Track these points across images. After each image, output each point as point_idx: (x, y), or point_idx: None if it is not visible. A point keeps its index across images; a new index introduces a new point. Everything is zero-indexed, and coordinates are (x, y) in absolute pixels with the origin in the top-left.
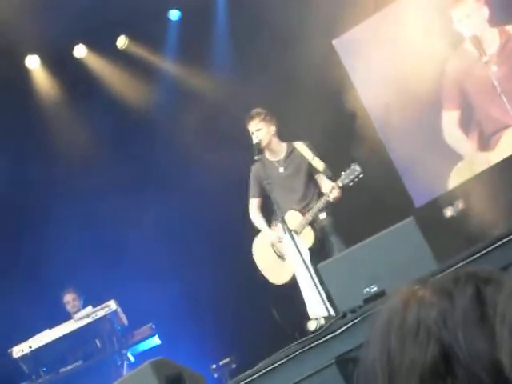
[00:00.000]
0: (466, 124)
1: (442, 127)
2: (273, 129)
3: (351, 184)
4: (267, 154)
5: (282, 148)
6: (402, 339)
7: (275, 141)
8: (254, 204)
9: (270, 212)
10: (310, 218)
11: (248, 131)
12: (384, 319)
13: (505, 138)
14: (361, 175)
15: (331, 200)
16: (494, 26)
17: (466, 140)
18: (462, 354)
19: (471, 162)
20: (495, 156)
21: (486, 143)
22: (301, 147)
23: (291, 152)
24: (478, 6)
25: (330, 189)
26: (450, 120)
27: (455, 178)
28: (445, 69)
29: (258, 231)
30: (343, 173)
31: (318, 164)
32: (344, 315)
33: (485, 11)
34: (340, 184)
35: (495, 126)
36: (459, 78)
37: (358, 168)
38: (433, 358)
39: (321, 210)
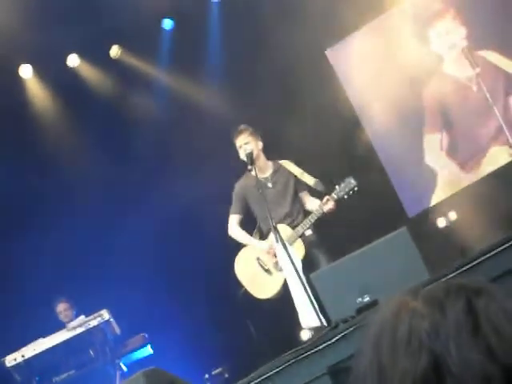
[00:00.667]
0: (451, 146)
1: (423, 150)
2: (260, 144)
3: (346, 197)
4: (255, 171)
5: (268, 165)
6: (394, 349)
7: (262, 157)
8: (234, 220)
9: (249, 230)
10: (301, 231)
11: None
12: (375, 329)
13: (488, 157)
14: (356, 188)
15: (325, 212)
16: (472, 45)
17: (451, 162)
18: (454, 365)
19: (456, 181)
20: (481, 172)
21: (469, 164)
22: (287, 164)
23: (278, 169)
24: (456, 24)
25: (324, 201)
26: (431, 143)
27: (441, 194)
28: (424, 92)
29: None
30: (337, 186)
31: (309, 179)
32: (336, 325)
33: (462, 31)
34: (335, 197)
35: (479, 146)
36: (440, 101)
37: (353, 181)
38: (424, 369)
39: (313, 224)
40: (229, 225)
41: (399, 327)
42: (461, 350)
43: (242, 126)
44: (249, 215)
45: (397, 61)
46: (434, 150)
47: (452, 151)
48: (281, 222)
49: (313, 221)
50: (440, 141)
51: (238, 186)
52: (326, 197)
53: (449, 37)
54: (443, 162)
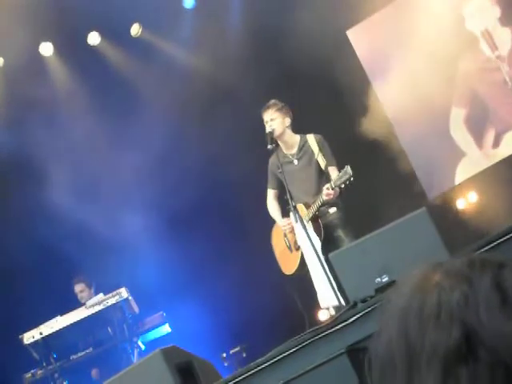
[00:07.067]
0: (473, 123)
1: (449, 122)
2: (288, 120)
3: (343, 186)
4: (282, 147)
5: (295, 140)
6: (422, 323)
7: (289, 133)
8: (270, 195)
9: (285, 204)
10: (313, 211)
11: (262, 120)
12: (400, 304)
13: (507, 138)
14: (351, 179)
15: (324, 200)
16: (506, 26)
17: (471, 138)
18: (486, 336)
19: (474, 159)
20: (498, 154)
21: (491, 142)
22: (311, 140)
23: (304, 144)
24: (491, 3)
25: (324, 190)
26: (457, 116)
27: (461, 174)
28: (457, 67)
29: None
30: (338, 174)
31: (322, 160)
32: (355, 305)
33: (497, 10)
34: (333, 185)
35: (503, 126)
36: (472, 78)
37: (349, 171)
38: (456, 341)
39: (320, 207)
40: (267, 199)
41: (427, 300)
42: (493, 321)
43: (272, 101)
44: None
45: (423, 38)
46: (458, 123)
47: (473, 127)
48: (309, 198)
49: (316, 208)
50: (465, 115)
51: (270, 163)
52: (326, 185)
53: (482, 15)
54: (464, 136)
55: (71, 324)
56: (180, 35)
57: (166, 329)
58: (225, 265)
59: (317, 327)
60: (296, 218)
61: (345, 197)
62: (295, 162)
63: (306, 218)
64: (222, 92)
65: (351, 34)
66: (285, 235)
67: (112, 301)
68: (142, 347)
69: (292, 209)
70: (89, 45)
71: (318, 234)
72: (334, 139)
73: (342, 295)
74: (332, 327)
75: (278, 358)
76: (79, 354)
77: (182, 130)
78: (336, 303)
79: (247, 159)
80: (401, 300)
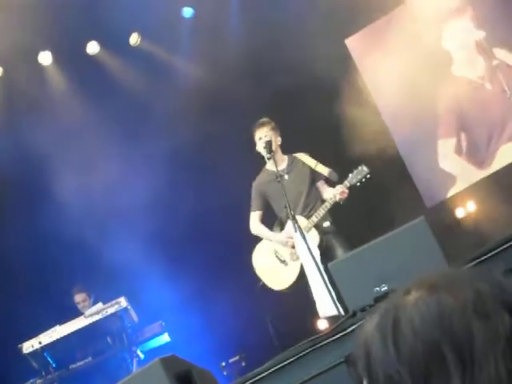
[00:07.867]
0: (467, 148)
1: (437, 155)
2: (279, 139)
3: (358, 184)
4: (269, 166)
5: (283, 159)
6: (468, 322)
7: (279, 152)
8: (256, 217)
9: (268, 225)
10: (316, 220)
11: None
12: (431, 313)
13: (501, 152)
14: (368, 176)
15: (337, 200)
16: (482, 51)
17: (467, 164)
18: None
19: (470, 173)
20: (494, 166)
21: (485, 161)
22: (302, 157)
23: (293, 161)
24: (472, 26)
25: (337, 190)
26: (446, 148)
27: (457, 187)
28: (437, 93)
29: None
30: (350, 174)
31: (323, 169)
32: (354, 314)
33: (477, 33)
34: (347, 184)
35: (494, 142)
36: (455, 104)
37: (365, 169)
38: (510, 322)
39: (327, 212)
40: (250, 222)
41: (458, 300)
42: None
43: (265, 120)
44: (267, 211)
45: (412, 52)
46: (449, 155)
47: (470, 153)
48: (298, 212)
49: (326, 209)
50: (455, 144)
51: (256, 184)
52: (339, 185)
53: (462, 36)
54: (460, 166)
55: (70, 333)
56: (179, 44)
57: (165, 338)
58: (225, 275)
59: (315, 337)
60: (295, 228)
61: (342, 204)
62: (286, 176)
63: (307, 227)
64: (220, 101)
65: (349, 42)
66: (275, 251)
67: (111, 310)
68: (141, 356)
69: (291, 218)
70: (88, 54)
71: (319, 244)
72: (332, 148)
73: (341, 305)
74: (331, 336)
75: (277, 367)
76: (78, 364)
77: (180, 138)
78: (335, 313)
79: (245, 176)
80: (434, 309)
